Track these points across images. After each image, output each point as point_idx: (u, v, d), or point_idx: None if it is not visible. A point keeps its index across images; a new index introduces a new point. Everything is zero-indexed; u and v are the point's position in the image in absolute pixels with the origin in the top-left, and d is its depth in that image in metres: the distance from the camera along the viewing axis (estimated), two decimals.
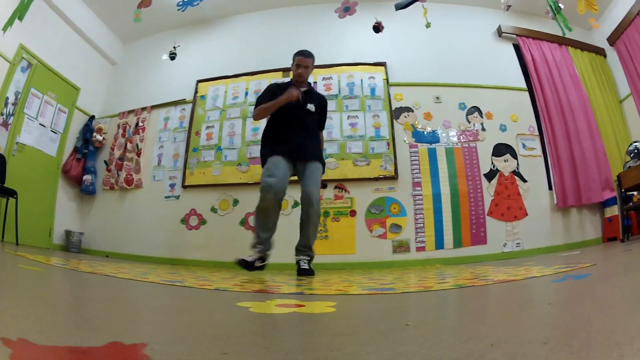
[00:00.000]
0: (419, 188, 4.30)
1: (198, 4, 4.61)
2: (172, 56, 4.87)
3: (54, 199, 4.82)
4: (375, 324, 0.81)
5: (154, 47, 5.48)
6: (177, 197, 4.70)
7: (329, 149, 4.50)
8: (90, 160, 4.97)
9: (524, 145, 4.49)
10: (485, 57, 4.97)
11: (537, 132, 4.61)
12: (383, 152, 4.43)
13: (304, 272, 2.73)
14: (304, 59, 3.11)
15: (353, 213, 4.27)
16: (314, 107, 3.12)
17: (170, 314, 0.94)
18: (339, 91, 4.77)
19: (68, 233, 4.78)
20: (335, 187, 4.39)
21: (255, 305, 1.04)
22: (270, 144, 3.05)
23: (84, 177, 4.91)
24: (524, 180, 4.32)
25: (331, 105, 4.71)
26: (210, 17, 5.52)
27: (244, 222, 4.38)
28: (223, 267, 3.97)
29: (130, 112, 5.14)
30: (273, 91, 3.10)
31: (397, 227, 4.17)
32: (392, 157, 4.39)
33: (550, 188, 4.34)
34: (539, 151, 4.47)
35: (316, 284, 1.92)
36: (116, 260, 3.87)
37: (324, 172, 3.15)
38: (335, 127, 4.60)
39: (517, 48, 5.02)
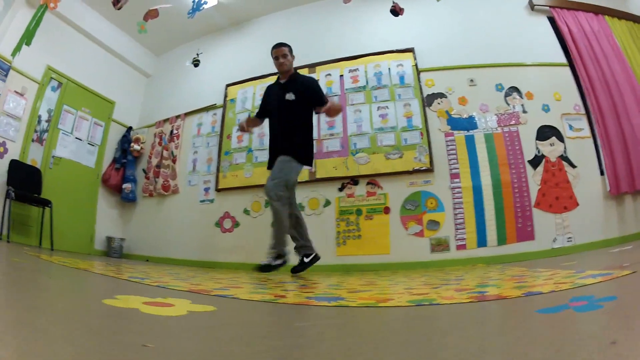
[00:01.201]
0: (457, 180, 3.93)
1: (203, 8, 4.63)
2: (196, 63, 4.91)
3: (95, 207, 5.02)
4: None
5: (185, 56, 5.52)
6: (212, 201, 4.73)
7: (359, 143, 4.34)
8: (129, 169, 5.11)
9: (570, 126, 4.06)
10: (520, 33, 4.51)
11: (583, 111, 4.18)
12: (416, 143, 4.18)
13: (260, 267, 3.02)
14: (277, 49, 3.23)
15: (387, 210, 4.01)
16: (293, 96, 3.14)
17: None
18: (367, 82, 4.54)
19: (109, 239, 4.97)
20: (368, 184, 4.21)
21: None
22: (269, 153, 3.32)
23: (124, 186, 5.05)
24: (573, 166, 3.84)
25: (359, 97, 4.53)
26: (234, 22, 5.49)
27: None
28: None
29: (165, 120, 5.23)
30: (265, 96, 3.45)
31: (434, 224, 3.86)
32: (427, 147, 4.13)
33: (602, 173, 3.92)
34: (587, 132, 3.98)
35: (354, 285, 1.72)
36: (157, 264, 3.99)
37: (301, 164, 3.16)
38: (364, 120, 4.40)
39: (551, 21, 4.55)
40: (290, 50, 3.25)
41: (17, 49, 3.98)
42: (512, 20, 4.61)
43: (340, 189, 4.30)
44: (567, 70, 4.31)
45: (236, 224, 4.48)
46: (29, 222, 4.25)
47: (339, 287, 1.67)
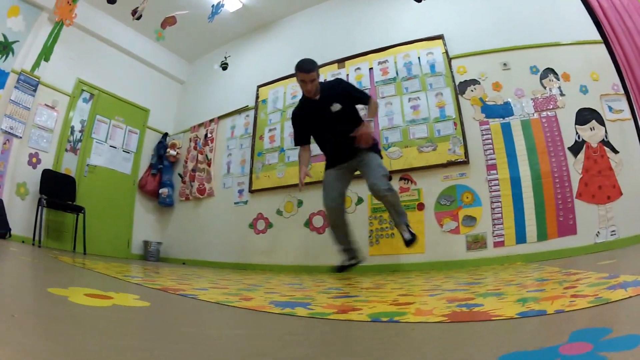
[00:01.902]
0: (494, 171, 3.75)
1: (220, 11, 4.67)
2: (224, 66, 4.96)
3: (132, 212, 5.22)
4: None
5: (216, 61, 5.60)
6: (246, 203, 4.81)
7: (391, 137, 4.30)
8: (166, 174, 5.27)
9: (610, 108, 3.80)
10: (550, 11, 4.25)
11: (622, 91, 3.96)
12: (450, 134, 4.07)
13: (408, 243, 3.08)
14: (305, 74, 3.07)
15: (421, 206, 3.91)
16: (338, 105, 3.13)
17: None
18: (397, 73, 4.43)
19: (146, 243, 5.18)
20: (401, 179, 4.18)
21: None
22: (326, 162, 3.37)
23: (160, 191, 5.21)
24: (615, 151, 3.56)
25: (390, 89, 4.46)
26: (261, 24, 5.56)
27: (308, 224, 4.34)
28: (288, 270, 4.02)
29: (200, 125, 5.33)
30: (298, 120, 3.35)
31: (471, 220, 3.68)
32: (461, 138, 4.01)
33: None
34: (627, 113, 3.74)
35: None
36: (193, 267, 4.06)
37: (380, 156, 3.26)
38: (396, 112, 4.32)
39: None
40: (317, 71, 3.14)
41: (36, 64, 4.26)
42: None
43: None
44: (602, 47, 4.05)
45: (269, 225, 4.58)
46: (64, 229, 4.53)
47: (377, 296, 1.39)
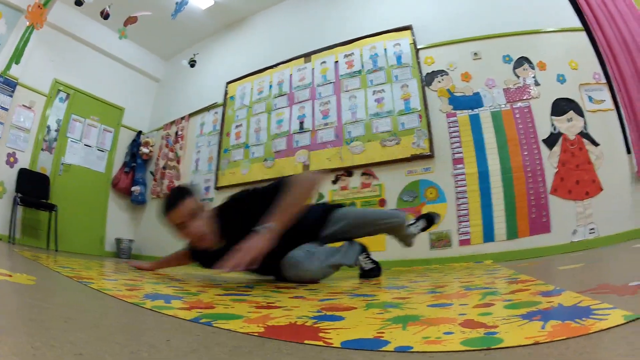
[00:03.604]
0: (461, 165, 3.35)
1: (184, 8, 4.66)
2: (192, 63, 4.91)
3: (105, 210, 5.12)
4: None
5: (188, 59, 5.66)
6: (211, 200, 4.67)
7: (353, 131, 4.08)
8: (139, 172, 5.16)
9: (590, 98, 3.40)
10: None
11: (604, 80, 3.59)
12: (415, 127, 3.74)
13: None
14: (172, 214, 1.65)
15: (382, 202, 3.55)
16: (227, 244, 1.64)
17: None
18: (362, 66, 4.16)
19: (118, 240, 5.09)
20: (362, 174, 3.90)
21: None
22: None
23: (133, 188, 5.08)
24: (595, 144, 3.12)
25: (354, 82, 4.22)
26: (234, 21, 5.45)
27: None
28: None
29: (172, 123, 5.22)
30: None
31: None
32: (426, 130, 3.70)
33: (628, 151, 3.33)
34: (609, 103, 3.36)
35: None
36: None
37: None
38: (359, 106, 4.04)
39: None
40: (188, 208, 1.65)
41: (7, 67, 4.26)
42: None
43: (334, 182, 4.04)
44: (583, 34, 3.68)
45: None
46: (39, 226, 4.42)
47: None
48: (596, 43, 3.48)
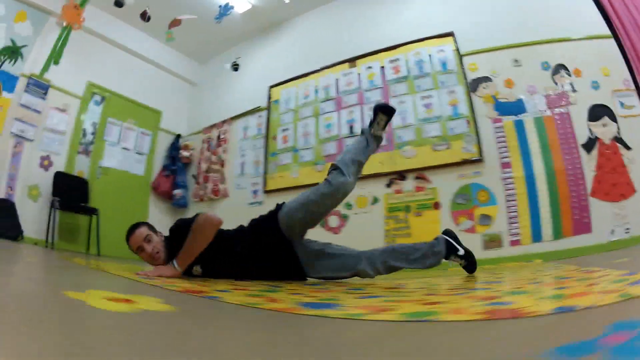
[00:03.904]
0: (509, 169, 3.85)
1: (230, 12, 4.71)
2: (235, 67, 5.04)
3: (146, 213, 5.36)
4: None
5: (227, 63, 5.77)
6: (260, 203, 4.92)
7: (404, 136, 4.37)
8: (179, 175, 5.38)
9: (621, 104, 3.84)
10: (558, 6, 4.31)
11: (633, 86, 3.99)
12: (464, 132, 4.16)
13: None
14: (130, 239, 2.21)
15: (437, 205, 4.02)
16: (199, 269, 2.22)
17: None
18: (408, 71, 4.51)
19: None
20: (416, 178, 4.27)
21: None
22: None
23: (174, 192, 5.33)
24: (628, 148, 3.65)
25: (402, 88, 4.51)
26: (271, 24, 5.64)
27: (324, 224, 4.46)
28: None
29: (212, 126, 5.44)
30: None
31: (486, 219, 3.78)
32: (475, 136, 4.11)
33: None
34: (638, 109, 3.83)
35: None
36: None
37: None
38: (408, 111, 4.41)
39: None
40: (145, 232, 2.21)
41: (45, 68, 4.33)
42: None
43: (388, 185, 4.38)
44: (612, 42, 4.09)
45: None
46: (78, 231, 4.67)
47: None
48: (624, 50, 3.83)
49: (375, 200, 4.32)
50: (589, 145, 3.91)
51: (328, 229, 4.39)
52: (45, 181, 4.48)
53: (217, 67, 5.99)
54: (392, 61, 4.55)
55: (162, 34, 5.19)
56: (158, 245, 2.22)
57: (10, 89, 4.46)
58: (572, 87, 4.11)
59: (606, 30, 4.20)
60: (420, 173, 4.25)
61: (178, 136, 5.61)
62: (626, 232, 3.45)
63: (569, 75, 4.15)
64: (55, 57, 4.42)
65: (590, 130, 3.95)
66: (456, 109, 4.26)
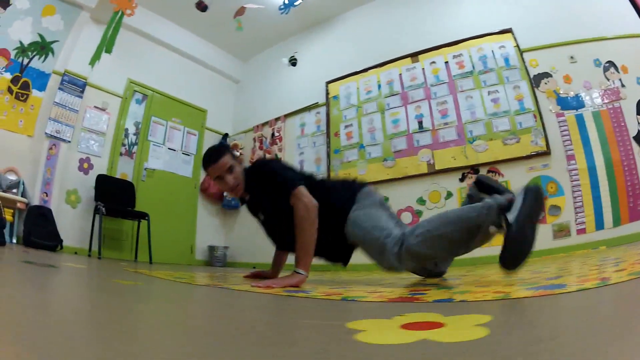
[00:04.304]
0: (574, 162, 4.61)
1: (298, 3, 4.49)
2: (293, 62, 4.86)
3: (195, 217, 5.15)
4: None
5: (273, 59, 5.96)
6: None
7: (475, 130, 4.53)
8: None
9: None
10: (601, 5, 4.78)
11: None
12: (531, 126, 4.63)
13: None
14: (211, 168, 2.17)
15: None
16: (262, 215, 2.37)
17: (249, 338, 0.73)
18: (473, 67, 4.81)
19: (211, 248, 5.14)
20: (488, 172, 4.53)
21: (372, 327, 0.80)
22: None
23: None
24: None
25: (468, 83, 4.69)
26: (323, 19, 5.81)
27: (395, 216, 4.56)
28: (375, 269, 4.28)
29: (264, 124, 5.29)
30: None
31: (556, 209, 4.40)
32: (542, 130, 4.54)
33: None
34: None
35: (472, 284, 1.74)
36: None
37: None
38: (477, 106, 4.77)
39: None
40: (228, 160, 2.19)
41: (96, 57, 4.13)
42: None
43: (461, 180, 4.57)
44: None
45: None
46: (121, 237, 4.52)
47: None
48: None
49: (449, 195, 4.52)
50: (639, 138, 4.37)
51: None
52: (86, 185, 4.26)
53: (261, 64, 6.22)
54: (455, 56, 4.87)
55: (204, 30, 4.87)
56: (240, 177, 2.21)
57: (41, 87, 3.97)
58: (622, 82, 4.56)
59: None
60: (492, 166, 4.52)
61: (225, 135, 5.48)
62: None
63: (618, 71, 4.63)
64: (107, 45, 3.90)
65: (639, 123, 4.40)
66: (522, 103, 4.64)
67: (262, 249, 5.23)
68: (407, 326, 0.75)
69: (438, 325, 0.74)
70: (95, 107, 4.54)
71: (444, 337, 0.65)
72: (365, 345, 0.63)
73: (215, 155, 2.13)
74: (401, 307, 1.13)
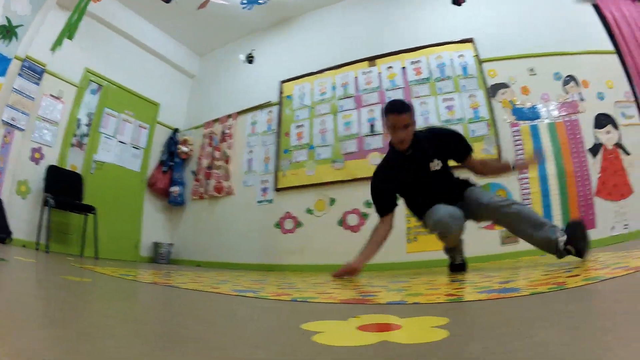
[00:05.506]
0: (525, 170, 4.51)
1: (265, 2, 4.63)
2: (250, 59, 4.97)
3: (141, 212, 5.18)
4: None
5: (231, 56, 6.03)
6: (270, 201, 5.02)
7: None
8: (177, 172, 5.32)
9: (623, 114, 4.66)
10: (568, 21, 5.14)
11: (633, 98, 4.69)
12: (484, 134, 4.65)
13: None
14: (397, 116, 2.60)
15: None
16: (439, 163, 2.79)
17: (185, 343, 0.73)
18: (430, 74, 4.87)
19: (156, 245, 5.11)
20: None
21: (329, 329, 0.81)
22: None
23: (171, 189, 5.27)
24: (627, 153, 4.61)
25: (424, 89, 4.79)
26: (283, 18, 5.90)
27: (342, 222, 4.60)
28: (322, 271, 4.29)
29: (215, 121, 5.45)
30: (385, 183, 2.80)
31: None
32: (494, 138, 4.53)
33: None
34: (637, 119, 4.69)
35: (421, 286, 1.82)
36: (206, 269, 4.34)
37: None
38: (431, 112, 4.84)
39: (596, 8, 4.96)
40: (413, 116, 2.73)
41: (58, 42, 4.20)
42: (560, 9, 5.34)
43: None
44: (615, 57, 4.78)
45: (298, 224, 4.73)
46: (69, 230, 4.53)
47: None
48: (626, 65, 4.42)
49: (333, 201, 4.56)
50: (594, 150, 4.56)
51: (346, 228, 4.51)
52: (36, 176, 4.20)
53: (217, 61, 6.31)
54: (413, 62, 4.94)
55: (163, 22, 5.05)
56: (411, 134, 2.64)
57: (2, 72, 4.04)
58: (581, 96, 4.66)
59: (608, 47, 4.83)
60: None
61: (176, 130, 5.51)
62: (625, 228, 4.31)
63: (578, 85, 4.75)
64: (70, 30, 4.03)
65: (595, 136, 4.51)
66: (477, 112, 4.72)
67: (207, 247, 5.31)
68: (364, 328, 0.79)
69: (395, 327, 0.78)
70: (52, 95, 4.52)
71: (404, 339, 0.68)
72: (326, 347, 0.65)
73: (401, 108, 2.56)
74: (354, 308, 1.17)
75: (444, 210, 2.56)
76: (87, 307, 1.15)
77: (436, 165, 2.73)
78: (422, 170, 2.72)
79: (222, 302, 1.41)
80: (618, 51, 4.96)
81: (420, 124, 5.08)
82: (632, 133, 4.60)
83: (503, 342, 0.62)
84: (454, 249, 2.96)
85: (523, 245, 4.30)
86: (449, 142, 2.82)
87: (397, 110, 2.58)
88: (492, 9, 5.19)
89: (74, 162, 4.67)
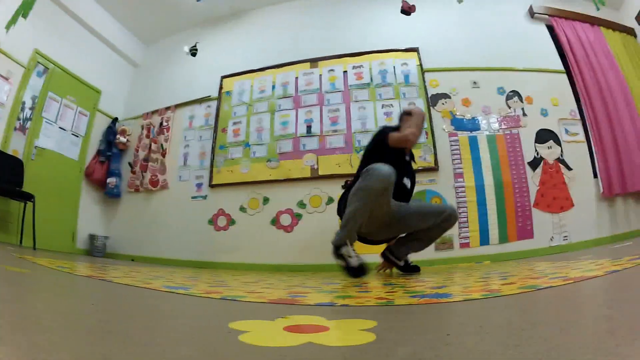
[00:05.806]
0: (461, 179, 4.64)
1: None
2: (194, 52, 5.02)
3: (77, 203, 5.11)
4: None
5: (176, 47, 5.95)
6: (205, 197, 4.89)
7: (363, 140, 4.66)
8: (114, 162, 5.25)
9: (566, 130, 4.69)
10: (520, 40, 5.33)
11: (578, 116, 4.67)
12: (421, 142, 4.49)
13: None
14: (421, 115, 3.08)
15: None
16: (409, 183, 3.05)
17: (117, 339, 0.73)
18: (371, 79, 4.90)
19: (92, 237, 4.99)
20: None
21: (255, 328, 0.82)
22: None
23: (108, 180, 5.17)
24: (569, 168, 4.59)
25: (363, 94, 4.79)
26: (231, 13, 5.92)
27: (275, 222, 4.47)
28: (253, 270, 4.25)
29: (154, 112, 5.44)
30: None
31: None
32: (432, 147, 4.48)
33: (595, 176, 4.42)
34: (582, 136, 4.82)
35: (353, 289, 1.84)
36: (141, 264, 4.18)
37: None
38: (369, 117, 4.78)
39: (550, 29, 5.06)
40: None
41: (12, 21, 3.92)
42: (512, 27, 5.36)
43: (343, 187, 4.42)
44: (564, 77, 4.92)
45: (231, 222, 4.59)
46: (9, 218, 4.23)
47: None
48: (575, 86, 4.39)
49: (330, 201, 4.41)
50: (534, 163, 4.52)
51: (279, 227, 4.36)
52: None
53: (162, 51, 6.30)
54: (355, 67, 4.95)
55: (114, 6, 5.08)
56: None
57: None
58: (523, 111, 4.63)
59: (558, 66, 4.85)
60: None
61: (115, 120, 5.46)
62: (564, 239, 4.31)
63: (522, 101, 4.75)
64: (24, 9, 4.08)
65: (536, 150, 4.43)
66: None
67: (142, 241, 5.14)
68: (291, 328, 0.79)
69: (323, 328, 0.79)
70: (0, 75, 4.32)
71: (330, 341, 0.68)
72: (251, 347, 0.65)
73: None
74: (282, 308, 1.17)
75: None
76: (23, 298, 1.13)
77: (407, 183, 3.00)
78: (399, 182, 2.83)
79: (152, 298, 1.42)
80: (568, 71, 5.03)
81: (357, 127, 5.04)
82: (575, 149, 4.61)
83: (432, 347, 0.62)
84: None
85: (458, 252, 4.18)
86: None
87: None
88: (441, 21, 5.26)
89: (16, 146, 4.51)
